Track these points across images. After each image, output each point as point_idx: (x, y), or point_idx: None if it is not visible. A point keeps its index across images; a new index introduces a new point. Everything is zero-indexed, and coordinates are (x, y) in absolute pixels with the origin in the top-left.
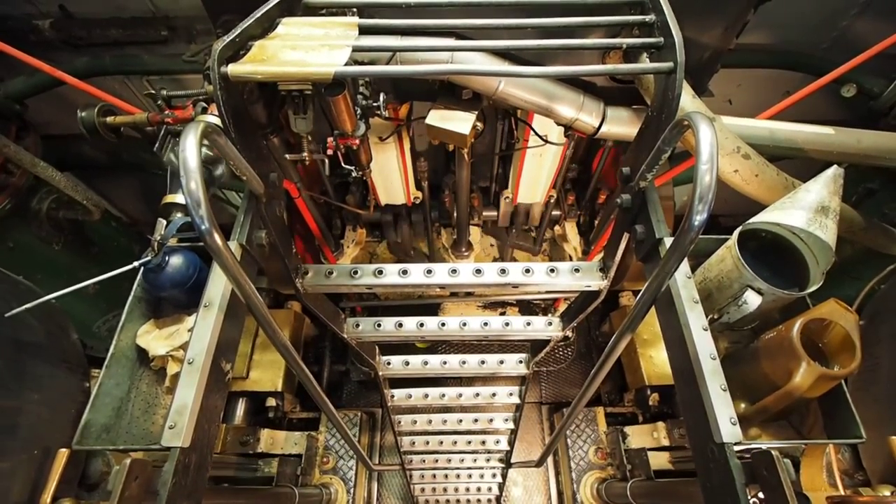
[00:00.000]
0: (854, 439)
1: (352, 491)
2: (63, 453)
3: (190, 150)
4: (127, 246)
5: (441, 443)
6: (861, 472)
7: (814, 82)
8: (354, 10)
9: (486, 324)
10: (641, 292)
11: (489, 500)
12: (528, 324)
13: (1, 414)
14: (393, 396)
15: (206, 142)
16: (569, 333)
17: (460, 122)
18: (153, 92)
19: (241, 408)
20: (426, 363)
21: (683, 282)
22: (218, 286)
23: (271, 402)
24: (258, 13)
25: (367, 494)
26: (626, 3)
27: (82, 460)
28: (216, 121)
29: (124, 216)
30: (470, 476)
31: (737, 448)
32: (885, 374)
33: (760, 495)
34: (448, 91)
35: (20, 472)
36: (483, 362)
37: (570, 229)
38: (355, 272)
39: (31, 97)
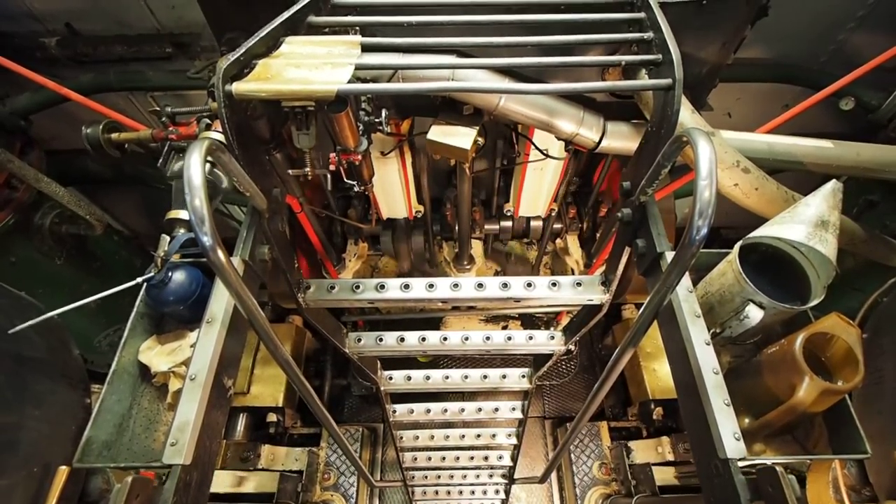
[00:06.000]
0: (859, 454)
1: None
2: (63, 470)
3: (194, 168)
4: (129, 260)
5: (443, 458)
6: (868, 487)
7: (812, 96)
8: (357, 28)
9: (488, 338)
10: (643, 306)
11: None
12: (531, 338)
13: (1, 430)
14: (395, 411)
15: (209, 158)
16: (571, 347)
17: (461, 137)
18: (157, 108)
19: (241, 423)
20: (428, 378)
21: (685, 296)
22: (220, 302)
23: (272, 417)
24: (262, 32)
25: None
26: (624, 21)
27: (82, 478)
28: (220, 137)
29: (127, 230)
30: (472, 492)
31: (741, 463)
32: (889, 387)
33: None
34: (449, 107)
35: (19, 489)
36: (485, 377)
37: (572, 242)
38: (357, 287)
39: (35, 113)
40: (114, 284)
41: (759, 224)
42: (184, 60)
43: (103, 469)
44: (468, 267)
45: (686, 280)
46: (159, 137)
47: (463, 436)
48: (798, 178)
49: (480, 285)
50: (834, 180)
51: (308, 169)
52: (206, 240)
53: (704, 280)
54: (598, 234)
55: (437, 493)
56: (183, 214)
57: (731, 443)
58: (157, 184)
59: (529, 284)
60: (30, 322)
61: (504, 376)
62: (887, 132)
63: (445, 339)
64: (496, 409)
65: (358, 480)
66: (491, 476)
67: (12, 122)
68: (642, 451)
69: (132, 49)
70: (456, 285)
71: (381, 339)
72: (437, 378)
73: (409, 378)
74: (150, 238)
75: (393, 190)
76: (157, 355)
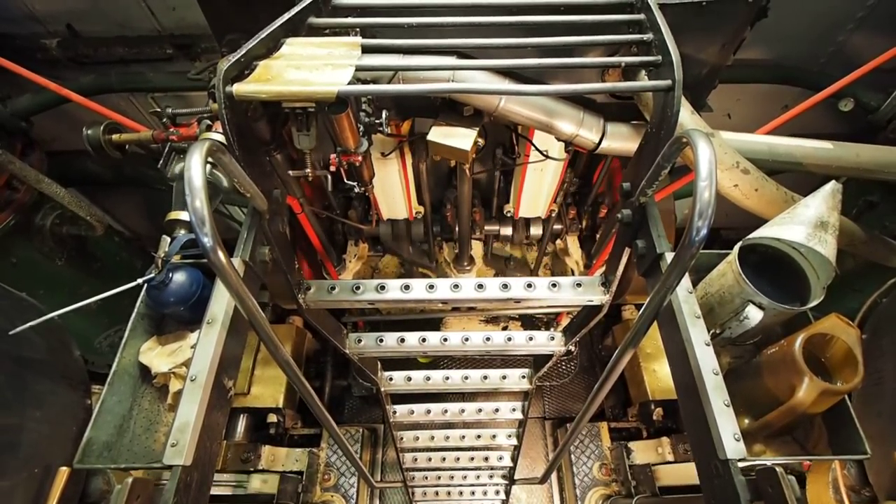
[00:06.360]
0: (859, 455)
1: None
2: (64, 471)
3: (195, 169)
4: (129, 261)
5: (443, 459)
6: (867, 487)
7: (812, 97)
8: (357, 30)
9: (488, 338)
10: (643, 307)
11: None
12: (531, 338)
13: (1, 431)
14: (395, 412)
15: (210, 159)
16: (571, 348)
17: (461, 138)
18: (158, 109)
19: (241, 424)
20: (428, 378)
21: (685, 297)
22: (221, 303)
23: (272, 418)
24: (263, 34)
25: None
26: (624, 23)
27: (83, 478)
28: (220, 138)
29: (127, 231)
30: (473, 493)
31: (741, 464)
32: (888, 388)
33: None
34: (449, 108)
35: (20, 490)
36: (485, 377)
37: (572, 243)
38: (357, 287)
39: (36, 114)
40: (114, 285)
41: (759, 225)
42: (184, 62)
43: (104, 470)
44: (468, 268)
45: (686, 281)
46: (160, 138)
47: (463, 436)
48: (798, 178)
49: (481, 286)
50: (833, 181)
51: (308, 170)
52: (207, 241)
53: (704, 281)
54: (597, 235)
55: (437, 493)
56: (183, 215)
57: (731, 443)
58: (158, 185)
59: (529, 285)
60: (30, 323)
61: (504, 377)
62: (886, 133)
63: (446, 339)
64: (496, 410)
65: (358, 481)
66: (491, 477)
67: (13, 124)
68: (642, 451)
69: (133, 50)
70: (456, 286)
71: (381, 340)
72: (437, 379)
73: (409, 379)
74: (151, 239)
75: (393, 191)
76: (157, 356)
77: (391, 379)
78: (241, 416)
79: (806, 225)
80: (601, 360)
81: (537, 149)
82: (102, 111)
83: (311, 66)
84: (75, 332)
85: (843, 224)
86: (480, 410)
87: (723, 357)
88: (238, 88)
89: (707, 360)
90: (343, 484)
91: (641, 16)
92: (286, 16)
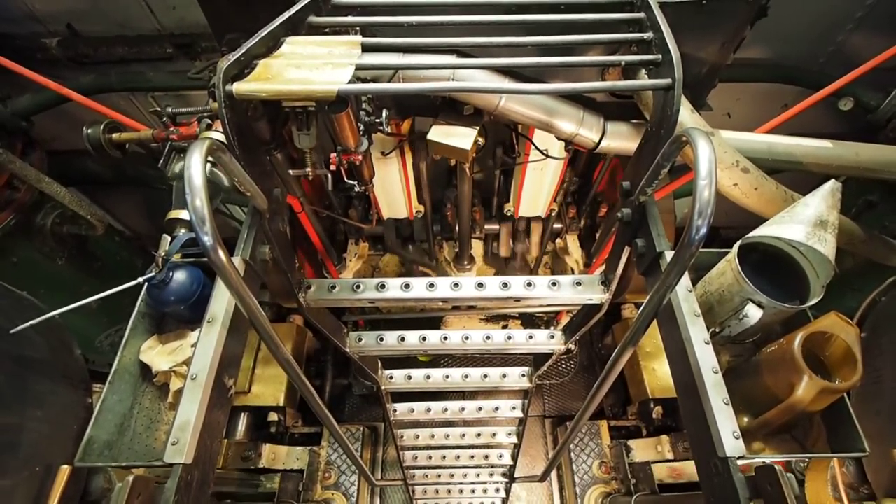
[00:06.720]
0: (857, 453)
1: None
2: (65, 470)
3: (195, 168)
4: (130, 260)
5: (444, 457)
6: (866, 485)
7: (811, 96)
8: (357, 28)
9: (488, 337)
10: (643, 306)
11: None
12: (531, 337)
13: (2, 430)
14: (395, 411)
15: (210, 158)
16: (571, 346)
17: (462, 137)
18: (158, 109)
19: (242, 422)
20: (429, 377)
21: (685, 295)
22: (221, 302)
23: (273, 416)
24: (263, 33)
25: None
26: (624, 21)
27: (84, 477)
28: (220, 137)
29: (127, 231)
30: (473, 491)
31: (740, 462)
32: (887, 387)
33: None
34: (449, 107)
35: (21, 489)
36: (485, 376)
37: (572, 242)
38: (358, 286)
39: (37, 114)
40: (115, 285)
41: (759, 224)
42: (184, 61)
43: (105, 468)
44: (468, 267)
45: (685, 279)
46: (160, 137)
47: (463, 435)
48: (797, 177)
49: (481, 285)
50: (833, 180)
51: (309, 169)
52: (207, 240)
53: (704, 279)
54: (597, 234)
55: (437, 491)
56: (184, 214)
57: (731, 442)
58: (158, 184)
59: (529, 284)
60: (31, 322)
61: (504, 375)
62: (886, 132)
63: (446, 338)
64: (496, 408)
65: (359, 479)
66: (491, 475)
67: (14, 123)
68: (642, 449)
69: (133, 50)
70: (456, 285)
71: (381, 339)
72: (437, 377)
73: (409, 377)
74: (152, 238)
75: (393, 190)
76: (158, 355)
77: (391, 377)
78: (242, 414)
79: (805, 224)
80: (601, 359)
81: (537, 148)
82: (103, 110)
83: (311, 65)
84: (76, 331)
85: (842, 223)
86: (480, 409)
87: (722, 355)
88: (238, 87)
89: (706, 359)
90: (344, 482)
91: (641, 14)
92: (286, 14)
